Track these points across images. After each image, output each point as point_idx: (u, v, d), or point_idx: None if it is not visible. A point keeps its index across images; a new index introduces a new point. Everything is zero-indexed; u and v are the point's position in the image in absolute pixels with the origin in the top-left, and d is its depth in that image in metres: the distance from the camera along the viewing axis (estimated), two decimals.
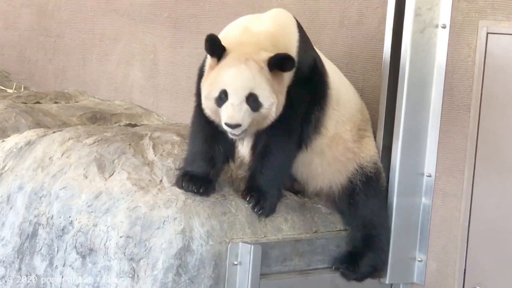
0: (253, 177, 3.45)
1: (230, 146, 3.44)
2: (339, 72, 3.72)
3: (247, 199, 3.42)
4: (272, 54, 3.23)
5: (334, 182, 3.63)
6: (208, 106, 3.29)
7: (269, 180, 3.43)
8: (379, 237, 3.63)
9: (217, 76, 3.23)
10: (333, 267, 3.57)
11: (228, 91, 3.20)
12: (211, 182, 3.39)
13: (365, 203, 3.61)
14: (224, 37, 3.35)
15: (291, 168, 3.55)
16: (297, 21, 3.47)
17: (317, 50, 3.58)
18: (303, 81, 3.40)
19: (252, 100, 3.20)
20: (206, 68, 3.35)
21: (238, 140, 3.41)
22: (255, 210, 3.41)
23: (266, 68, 3.22)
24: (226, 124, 3.20)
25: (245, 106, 3.20)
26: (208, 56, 3.33)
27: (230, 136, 3.27)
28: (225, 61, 3.24)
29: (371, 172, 3.62)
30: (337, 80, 3.64)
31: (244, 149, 3.59)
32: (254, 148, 3.47)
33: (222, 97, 3.21)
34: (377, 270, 3.67)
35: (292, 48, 3.38)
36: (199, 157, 3.41)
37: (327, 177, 3.63)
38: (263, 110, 3.23)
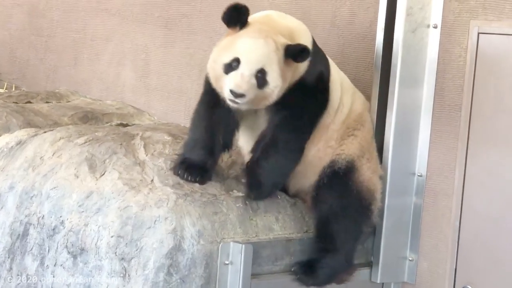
0: (255, 162, 3.42)
1: (229, 135, 3.45)
2: (348, 82, 3.71)
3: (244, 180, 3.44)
4: (290, 43, 3.27)
5: (309, 181, 3.57)
6: (214, 69, 3.29)
7: (269, 170, 3.42)
8: (334, 237, 3.48)
9: (233, 43, 3.25)
10: (292, 270, 3.46)
11: (242, 60, 3.21)
12: (208, 171, 3.42)
13: (324, 198, 3.50)
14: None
15: (292, 171, 3.50)
16: (313, 38, 3.49)
17: (330, 59, 3.60)
18: (310, 86, 3.41)
19: (261, 77, 3.22)
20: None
21: (235, 109, 3.35)
22: (248, 190, 3.41)
23: (282, 52, 3.25)
24: (231, 91, 3.20)
25: (253, 80, 3.21)
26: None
27: (229, 103, 3.26)
28: (245, 31, 3.26)
29: (339, 168, 3.51)
30: (345, 86, 3.64)
31: (242, 141, 3.58)
32: (261, 138, 3.44)
33: (233, 65, 3.22)
34: (338, 272, 3.51)
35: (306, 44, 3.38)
36: (199, 145, 3.43)
37: (304, 176, 3.56)
38: (267, 90, 3.25)
